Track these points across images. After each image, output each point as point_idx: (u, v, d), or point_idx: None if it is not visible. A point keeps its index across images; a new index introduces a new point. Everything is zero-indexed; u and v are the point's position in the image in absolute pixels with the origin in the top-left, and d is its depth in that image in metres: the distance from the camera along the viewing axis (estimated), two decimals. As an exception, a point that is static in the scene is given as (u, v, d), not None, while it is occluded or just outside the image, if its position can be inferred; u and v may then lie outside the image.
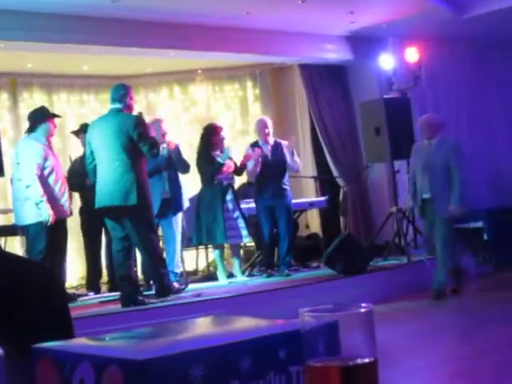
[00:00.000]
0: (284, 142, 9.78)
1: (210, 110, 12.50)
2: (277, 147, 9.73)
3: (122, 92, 7.71)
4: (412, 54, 10.86)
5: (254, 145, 9.77)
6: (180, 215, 9.31)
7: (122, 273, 7.66)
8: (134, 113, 7.89)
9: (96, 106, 11.97)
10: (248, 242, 9.82)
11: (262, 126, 9.79)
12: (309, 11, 9.92)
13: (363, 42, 11.40)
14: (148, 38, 9.59)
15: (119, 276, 7.76)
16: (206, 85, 12.51)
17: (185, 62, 11.34)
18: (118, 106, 7.69)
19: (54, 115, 8.27)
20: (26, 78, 11.30)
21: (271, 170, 9.54)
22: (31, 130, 8.10)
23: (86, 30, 9.12)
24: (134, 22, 9.37)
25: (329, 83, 11.97)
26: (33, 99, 11.34)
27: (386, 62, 11.05)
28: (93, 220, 8.96)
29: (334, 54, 11.47)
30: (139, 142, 7.46)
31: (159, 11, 9.24)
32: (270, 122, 9.91)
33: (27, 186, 7.81)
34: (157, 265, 7.74)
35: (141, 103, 12.35)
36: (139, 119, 7.63)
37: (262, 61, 11.92)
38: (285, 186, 9.67)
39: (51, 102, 11.28)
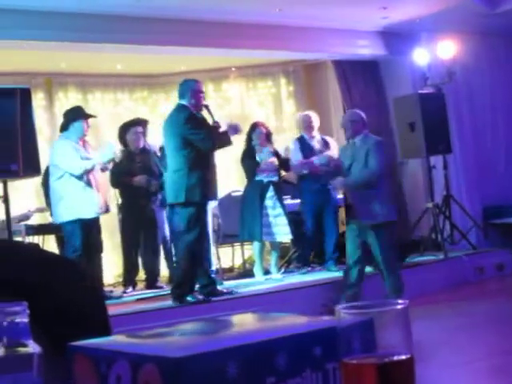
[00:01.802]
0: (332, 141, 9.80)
1: (243, 107, 12.50)
2: (325, 144, 9.72)
3: (183, 88, 7.73)
4: (446, 49, 10.77)
5: (300, 139, 9.74)
6: (209, 213, 9.28)
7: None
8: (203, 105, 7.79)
9: (130, 104, 12.04)
10: (288, 239, 9.76)
11: (307, 121, 9.76)
12: (342, 7, 9.89)
13: (397, 37, 11.34)
14: (181, 36, 9.61)
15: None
16: (239, 82, 12.51)
17: (218, 59, 11.36)
18: (180, 102, 7.73)
19: (88, 115, 8.31)
20: (61, 78, 11.39)
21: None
22: (63, 128, 8.21)
23: (119, 29, 9.16)
24: (167, 21, 9.40)
25: (362, 79, 11.92)
26: (68, 98, 11.42)
27: (420, 57, 10.97)
28: (131, 217, 9.01)
29: (367, 49, 11.42)
30: (190, 137, 7.42)
31: (192, 9, 9.25)
32: (315, 117, 9.88)
33: (71, 175, 7.91)
34: (189, 266, 7.69)
35: (175, 101, 12.34)
36: (189, 115, 7.53)
37: (295, 57, 11.91)
38: (328, 185, 9.65)
39: (86, 101, 11.36)
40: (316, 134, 9.79)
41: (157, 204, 9.26)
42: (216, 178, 7.82)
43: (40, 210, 9.60)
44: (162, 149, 8.97)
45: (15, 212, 8.34)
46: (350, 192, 7.72)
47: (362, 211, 7.54)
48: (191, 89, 7.65)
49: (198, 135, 7.40)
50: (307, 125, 9.76)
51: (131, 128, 9.23)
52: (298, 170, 9.58)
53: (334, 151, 9.47)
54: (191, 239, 7.47)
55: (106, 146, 8.28)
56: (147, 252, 9.34)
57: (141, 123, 9.31)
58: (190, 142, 7.41)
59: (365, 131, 7.82)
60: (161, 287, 9.21)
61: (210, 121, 7.76)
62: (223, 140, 7.64)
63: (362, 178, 7.54)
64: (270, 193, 9.19)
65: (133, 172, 9.02)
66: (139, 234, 9.22)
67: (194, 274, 7.72)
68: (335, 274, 9.10)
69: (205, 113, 7.79)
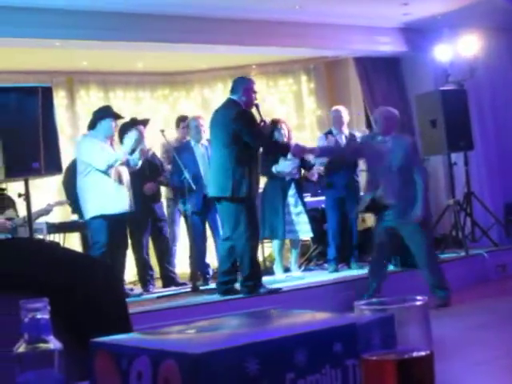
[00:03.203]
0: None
1: (264, 104, 12.47)
2: (352, 138, 9.65)
3: (236, 84, 7.85)
4: (468, 45, 10.73)
5: (327, 134, 9.70)
6: None
7: (223, 265, 7.91)
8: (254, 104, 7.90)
9: (152, 102, 12.06)
10: (309, 237, 9.73)
11: (337, 116, 9.72)
12: (362, 3, 9.87)
13: (418, 34, 11.30)
14: (202, 34, 9.63)
15: (219, 269, 8.06)
16: (260, 80, 12.50)
17: (239, 57, 11.37)
18: (231, 96, 7.82)
19: (117, 115, 8.33)
20: (83, 76, 11.44)
21: (345, 161, 9.33)
22: (91, 126, 8.23)
23: (140, 28, 9.19)
24: (187, 19, 9.42)
25: (384, 76, 11.89)
26: (89, 97, 11.47)
27: (442, 53, 10.92)
28: (137, 215, 8.99)
29: (388, 46, 11.39)
30: (241, 133, 7.49)
31: (212, 7, 9.27)
32: (345, 112, 9.85)
33: (98, 170, 7.93)
34: (244, 264, 7.71)
35: (196, 99, 12.42)
36: (241, 112, 7.61)
37: (316, 55, 11.89)
38: (357, 178, 9.60)
39: (107, 100, 11.39)
40: (345, 129, 9.73)
41: (161, 203, 9.39)
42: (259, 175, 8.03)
43: (60, 203, 9.55)
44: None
45: (35, 207, 8.36)
46: (392, 192, 7.63)
47: (407, 210, 7.55)
48: (245, 86, 7.78)
49: (249, 130, 7.52)
50: (337, 120, 9.72)
51: (133, 127, 9.15)
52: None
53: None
54: (248, 233, 7.58)
55: (127, 136, 8.36)
56: (158, 249, 9.37)
57: (143, 122, 9.27)
58: (239, 138, 7.50)
59: (396, 130, 7.90)
60: (183, 284, 9.22)
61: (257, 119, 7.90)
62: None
63: (423, 197, 7.57)
64: (292, 190, 9.17)
65: (141, 172, 8.99)
66: (146, 231, 9.20)
67: (259, 264, 8.07)
68: (356, 271, 9.12)
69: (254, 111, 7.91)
